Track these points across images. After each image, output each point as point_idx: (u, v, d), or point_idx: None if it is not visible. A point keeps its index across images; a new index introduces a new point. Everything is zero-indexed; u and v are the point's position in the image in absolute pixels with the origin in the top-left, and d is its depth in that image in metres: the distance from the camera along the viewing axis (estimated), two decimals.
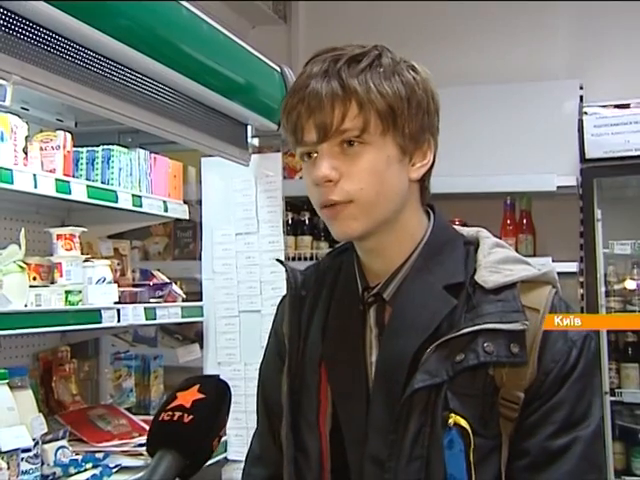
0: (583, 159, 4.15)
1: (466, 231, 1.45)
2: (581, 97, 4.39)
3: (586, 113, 4.18)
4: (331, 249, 1.55)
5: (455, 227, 1.46)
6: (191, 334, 3.62)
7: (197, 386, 1.20)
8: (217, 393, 1.22)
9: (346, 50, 1.32)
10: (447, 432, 1.24)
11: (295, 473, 1.40)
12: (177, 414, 1.16)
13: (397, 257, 1.37)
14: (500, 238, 4.57)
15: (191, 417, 1.15)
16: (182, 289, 3.10)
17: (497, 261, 1.34)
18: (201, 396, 1.19)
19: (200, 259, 3.27)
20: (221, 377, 1.30)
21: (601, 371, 3.93)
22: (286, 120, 1.33)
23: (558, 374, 1.27)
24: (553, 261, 4.08)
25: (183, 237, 3.90)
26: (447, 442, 1.24)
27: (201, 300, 3.17)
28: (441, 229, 1.41)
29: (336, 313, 1.42)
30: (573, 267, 4.10)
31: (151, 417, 2.89)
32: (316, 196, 1.33)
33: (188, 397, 1.18)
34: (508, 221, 4.46)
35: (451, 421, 1.24)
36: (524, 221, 4.47)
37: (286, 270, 1.47)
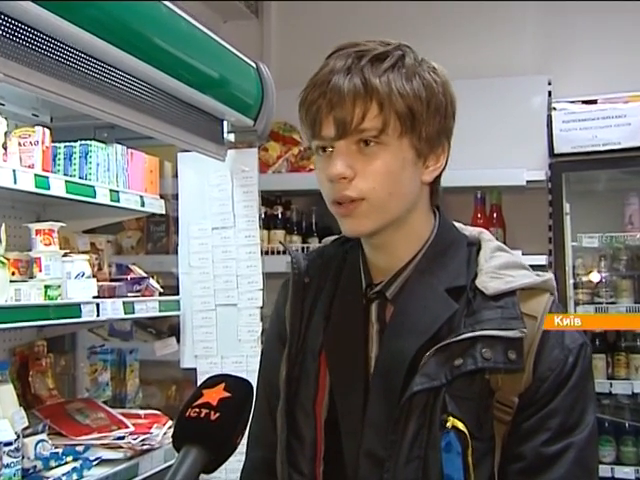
0: (552, 154, 4.21)
1: (468, 232, 1.47)
2: (549, 92, 4.45)
3: (554, 109, 4.24)
4: (335, 237, 1.56)
5: (457, 226, 1.48)
6: (164, 328, 3.64)
7: (223, 384, 1.23)
8: (242, 392, 1.25)
9: (369, 47, 1.32)
10: (445, 435, 1.27)
11: (288, 458, 1.42)
12: (204, 411, 1.18)
13: (403, 255, 1.39)
14: None
15: (218, 415, 1.18)
16: (159, 283, 3.11)
17: (498, 266, 1.36)
18: (227, 395, 1.21)
19: (174, 253, 3.29)
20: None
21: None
22: (305, 113, 1.34)
23: (554, 382, 1.30)
24: (523, 254, 4.11)
25: (156, 231, 3.91)
26: (445, 444, 1.26)
27: (177, 294, 3.18)
28: (446, 230, 1.43)
29: (339, 305, 1.44)
30: (542, 260, 4.16)
31: (128, 410, 2.92)
32: (328, 192, 1.35)
33: (214, 395, 1.21)
34: (478, 215, 4.51)
35: (449, 424, 1.27)
36: (494, 215, 4.52)
37: (290, 256, 1.49)
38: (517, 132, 4.38)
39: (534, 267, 4.40)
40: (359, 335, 1.40)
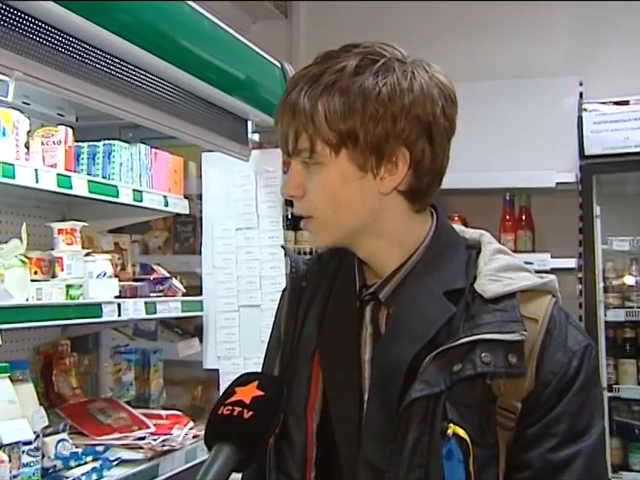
0: (582, 156, 4.16)
1: (469, 234, 1.42)
2: (581, 94, 4.40)
3: (585, 110, 4.19)
4: None
5: (457, 229, 1.43)
6: (191, 328, 3.63)
7: (256, 382, 1.23)
8: (275, 391, 1.24)
9: (330, 59, 1.28)
10: (446, 442, 1.22)
11: (277, 463, 1.39)
12: (237, 409, 1.18)
13: (390, 262, 1.35)
14: (499, 234, 4.59)
15: (251, 413, 1.18)
16: (182, 283, 3.11)
17: (497, 269, 1.32)
18: (260, 393, 1.21)
19: (200, 254, 3.29)
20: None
21: (599, 368, 3.95)
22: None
23: (557, 386, 1.25)
24: (552, 257, 4.10)
25: (183, 231, 3.91)
26: (446, 452, 1.22)
27: (201, 294, 3.18)
28: (442, 233, 1.38)
29: (333, 307, 1.40)
30: (572, 263, 4.12)
31: (150, 411, 2.92)
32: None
33: (247, 393, 1.21)
34: (507, 217, 4.47)
35: (450, 431, 1.22)
36: (523, 217, 4.48)
37: (289, 259, 1.47)
38: (547, 133, 4.34)
39: (563, 270, 4.31)
40: (352, 338, 1.36)
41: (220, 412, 1.20)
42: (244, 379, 1.25)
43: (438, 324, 1.28)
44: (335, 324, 1.39)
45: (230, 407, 1.19)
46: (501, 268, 1.32)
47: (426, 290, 1.32)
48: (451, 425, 1.23)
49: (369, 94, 1.25)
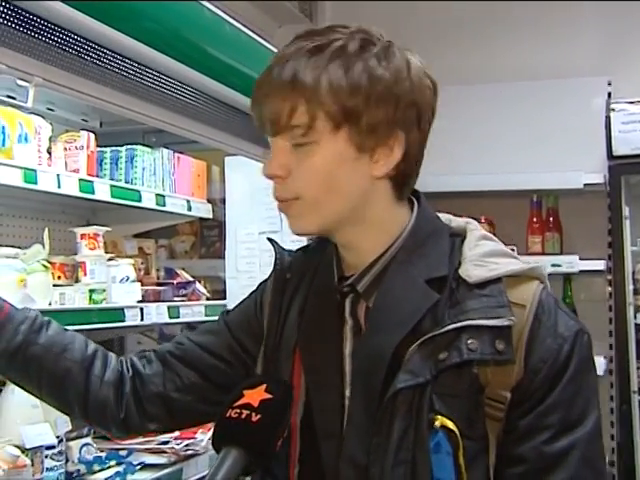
0: (610, 156, 4.09)
1: (455, 223, 1.38)
2: (609, 94, 4.34)
3: (613, 110, 4.12)
4: None
5: (444, 218, 1.39)
6: None
7: (264, 385, 1.21)
8: (283, 394, 1.23)
9: (320, 36, 1.25)
10: (433, 435, 1.18)
11: None
12: (245, 412, 1.18)
13: (371, 251, 1.31)
14: (527, 236, 4.51)
15: (259, 417, 1.17)
16: (207, 288, 3.12)
17: (483, 254, 1.28)
18: (269, 396, 1.20)
19: (224, 258, 3.29)
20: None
21: (629, 372, 3.92)
22: (250, 104, 1.28)
23: (548, 374, 1.21)
24: (580, 259, 4.06)
25: (209, 236, 3.92)
26: (434, 445, 1.18)
27: (225, 299, 3.18)
28: (425, 221, 1.34)
29: (314, 300, 1.37)
30: (601, 265, 4.06)
31: None
32: (272, 189, 1.30)
33: (255, 396, 1.20)
34: (535, 219, 4.41)
35: (437, 423, 1.18)
36: (551, 219, 4.42)
37: (275, 250, 1.43)
38: (575, 134, 4.29)
39: (592, 272, 4.24)
40: (333, 331, 1.32)
41: (228, 415, 1.19)
42: (252, 381, 1.24)
43: (421, 312, 1.24)
44: (315, 317, 1.35)
45: (238, 410, 1.18)
46: (486, 254, 1.28)
47: (407, 278, 1.28)
48: (439, 417, 1.19)
49: (374, 74, 1.22)
